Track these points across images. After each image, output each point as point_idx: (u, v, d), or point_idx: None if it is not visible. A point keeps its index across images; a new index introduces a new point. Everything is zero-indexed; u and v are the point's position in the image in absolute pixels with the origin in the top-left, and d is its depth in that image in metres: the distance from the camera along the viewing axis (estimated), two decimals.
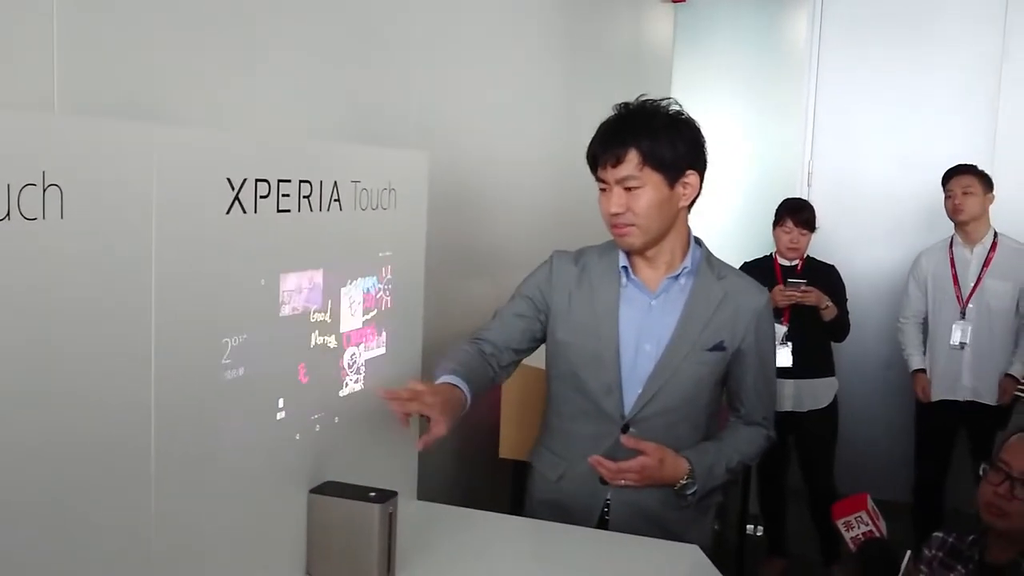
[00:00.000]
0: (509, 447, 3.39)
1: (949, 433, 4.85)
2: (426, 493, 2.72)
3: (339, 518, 2.05)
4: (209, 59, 2.17)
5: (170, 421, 1.66)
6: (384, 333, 2.34)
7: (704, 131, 2.41)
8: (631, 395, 2.43)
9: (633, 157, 2.29)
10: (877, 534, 2.60)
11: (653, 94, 2.41)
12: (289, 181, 1.94)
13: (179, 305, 1.65)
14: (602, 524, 2.48)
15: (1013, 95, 5.72)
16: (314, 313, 2.06)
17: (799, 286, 4.44)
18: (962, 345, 4.70)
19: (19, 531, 1.40)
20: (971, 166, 4.71)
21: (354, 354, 2.23)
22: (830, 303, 4.50)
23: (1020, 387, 4.19)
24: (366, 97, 2.84)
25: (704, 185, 2.41)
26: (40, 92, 1.73)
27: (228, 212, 1.76)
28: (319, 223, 2.05)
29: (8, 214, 1.31)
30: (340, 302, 2.15)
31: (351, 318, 2.20)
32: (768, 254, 4.80)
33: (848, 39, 6.04)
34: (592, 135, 2.40)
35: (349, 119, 2.74)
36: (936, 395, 4.78)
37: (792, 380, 4.56)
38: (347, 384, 2.21)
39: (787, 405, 4.55)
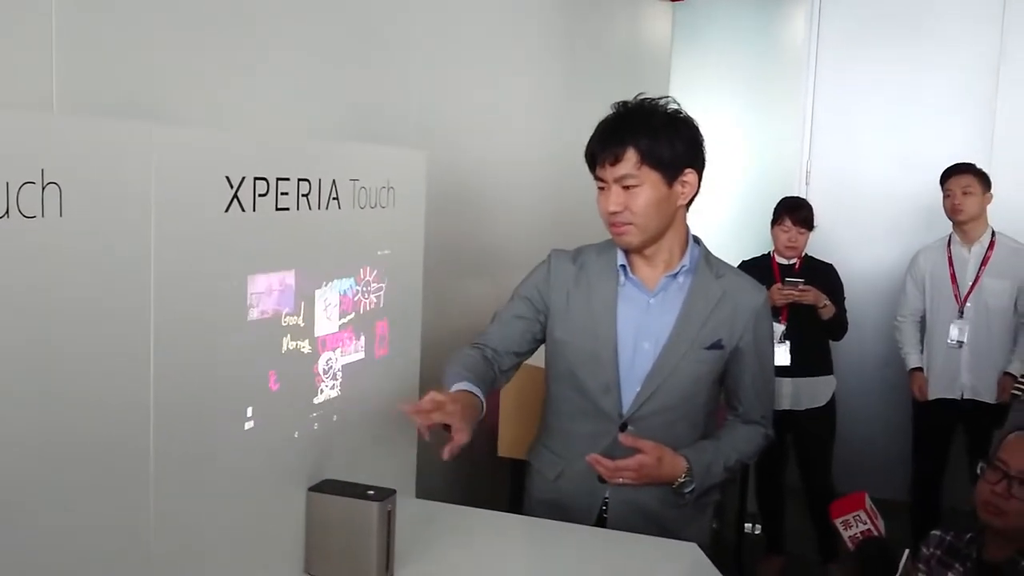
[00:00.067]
0: (508, 446, 3.39)
1: (946, 432, 4.85)
2: (425, 491, 2.72)
3: (338, 516, 2.05)
4: (208, 59, 2.17)
5: (169, 419, 1.66)
6: (363, 337, 2.28)
7: (702, 130, 2.41)
8: (629, 394, 2.43)
9: (631, 156, 2.29)
10: (875, 533, 2.59)
11: (651, 93, 2.41)
12: (288, 180, 1.94)
13: (178, 303, 1.66)
14: (600, 522, 2.48)
15: (1011, 94, 5.73)
16: (285, 317, 1.97)
17: (797, 285, 4.44)
18: (960, 344, 4.70)
19: (18, 530, 1.40)
20: (970, 165, 4.72)
21: (330, 359, 2.15)
22: (828, 302, 4.50)
23: (1018, 385, 4.19)
24: (365, 97, 2.85)
25: (702, 184, 2.41)
26: (39, 92, 1.74)
27: (227, 210, 1.76)
28: (317, 221, 2.05)
29: (7, 212, 1.31)
30: (315, 305, 2.07)
31: (327, 322, 2.13)
32: (766, 253, 4.80)
33: (846, 38, 6.05)
34: (590, 134, 2.40)
35: (349, 119, 2.74)
36: (933, 394, 4.79)
37: (790, 379, 4.56)
38: (322, 391, 2.13)
39: (785, 404, 4.55)
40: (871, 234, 6.00)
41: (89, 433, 1.50)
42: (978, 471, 2.37)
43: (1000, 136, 5.74)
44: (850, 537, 2.61)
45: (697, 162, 2.38)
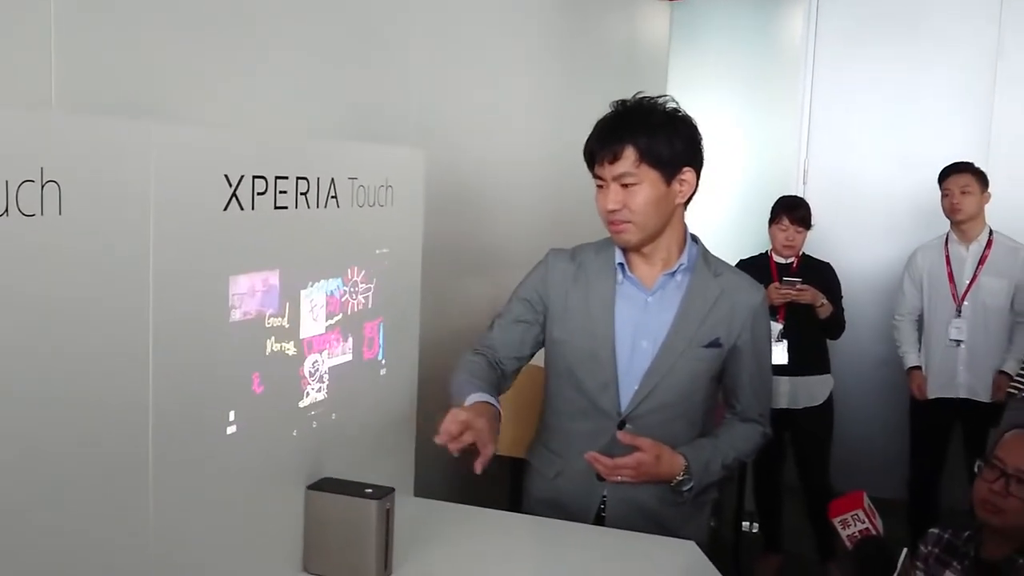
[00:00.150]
0: (506, 444, 3.39)
1: (944, 430, 4.86)
2: (423, 490, 2.73)
3: (336, 514, 2.05)
4: (207, 58, 2.17)
5: (168, 418, 1.66)
6: (350, 339, 2.26)
7: (700, 129, 2.42)
8: (627, 392, 2.43)
9: (630, 154, 2.29)
10: (873, 532, 2.60)
11: (649, 92, 2.42)
12: (286, 178, 1.94)
13: (177, 301, 1.66)
14: (599, 520, 2.48)
15: (1008, 93, 5.74)
16: (269, 318, 1.93)
17: (794, 284, 4.44)
18: (958, 343, 4.70)
19: (17, 529, 1.40)
20: (968, 164, 4.72)
21: (316, 361, 2.12)
22: (825, 301, 4.50)
23: (1014, 384, 4.20)
24: (365, 97, 2.85)
25: (700, 182, 2.42)
26: (38, 91, 1.73)
27: (226, 209, 1.77)
28: (315, 220, 2.05)
29: (7, 210, 1.31)
30: (300, 305, 2.03)
31: (312, 323, 2.09)
32: (764, 251, 4.80)
33: (844, 37, 6.05)
34: (588, 133, 2.40)
35: (348, 119, 2.74)
36: (931, 392, 4.79)
37: (788, 377, 4.56)
38: (308, 393, 2.10)
39: (783, 402, 4.55)
40: (869, 233, 6.00)
41: (88, 432, 1.50)
42: (975, 469, 2.37)
43: (997, 134, 5.74)
44: (848, 536, 2.61)
45: (695, 161, 2.39)
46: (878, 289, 5.77)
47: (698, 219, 2.68)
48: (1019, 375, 4.12)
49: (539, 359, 2.61)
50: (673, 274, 2.45)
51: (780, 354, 4.45)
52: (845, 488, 2.93)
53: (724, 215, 5.94)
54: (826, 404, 4.72)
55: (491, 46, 3.76)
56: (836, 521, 2.62)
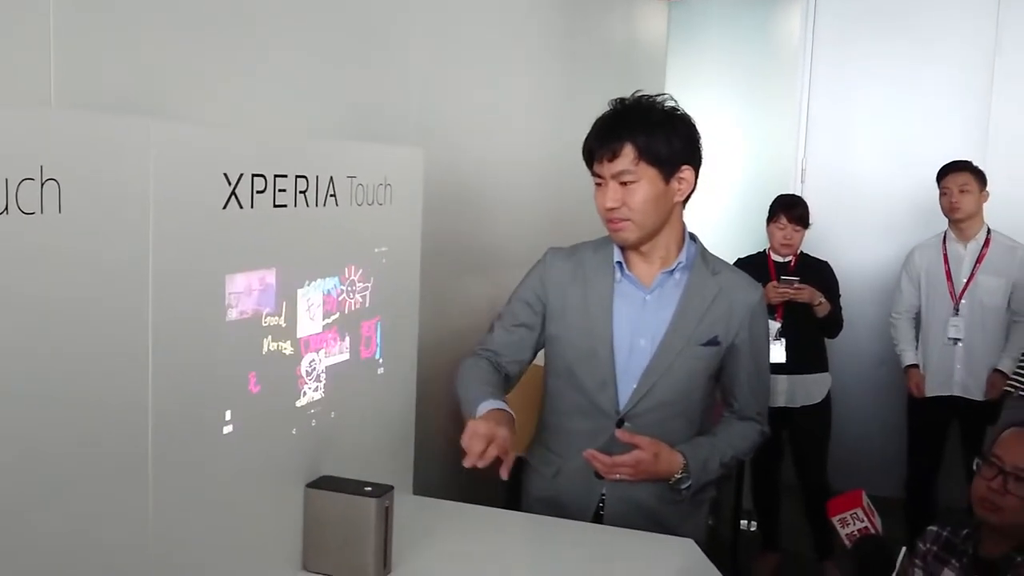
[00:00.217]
0: None
1: (941, 428, 4.87)
2: (422, 488, 2.73)
3: (336, 512, 2.06)
4: (207, 58, 2.17)
5: (168, 416, 1.66)
6: (347, 338, 2.25)
7: (698, 127, 2.42)
8: (626, 390, 2.44)
9: (629, 152, 2.30)
10: (872, 531, 2.60)
11: (648, 91, 2.42)
12: (286, 176, 1.94)
13: (176, 300, 1.66)
14: (597, 519, 2.49)
15: (1006, 90, 5.74)
16: (266, 317, 1.93)
17: (792, 283, 4.45)
18: (956, 341, 4.71)
19: (17, 527, 1.40)
20: (967, 163, 4.72)
21: (313, 361, 2.12)
22: (823, 299, 4.50)
23: (1010, 382, 4.20)
24: (364, 96, 2.85)
25: (699, 181, 2.42)
26: (37, 90, 1.73)
27: (225, 207, 1.77)
28: (314, 219, 2.06)
29: (6, 208, 1.31)
30: (297, 304, 2.03)
31: (309, 322, 2.09)
32: (762, 250, 4.80)
33: (842, 35, 6.06)
34: (586, 131, 2.40)
35: (347, 118, 2.74)
36: (929, 391, 4.80)
37: (785, 376, 4.56)
38: (305, 393, 2.10)
39: (780, 401, 4.56)
40: (867, 231, 6.01)
41: (87, 430, 1.50)
42: (974, 467, 2.37)
43: (995, 132, 5.75)
44: (847, 535, 2.61)
45: (694, 159, 2.39)
46: (876, 288, 5.78)
47: (696, 218, 2.68)
48: (1016, 373, 4.13)
49: (539, 358, 2.62)
50: (671, 272, 2.45)
51: (778, 353, 4.45)
52: (843, 487, 2.94)
53: (722, 214, 5.95)
54: (824, 403, 4.73)
55: (490, 45, 3.76)
56: (835, 520, 2.62)
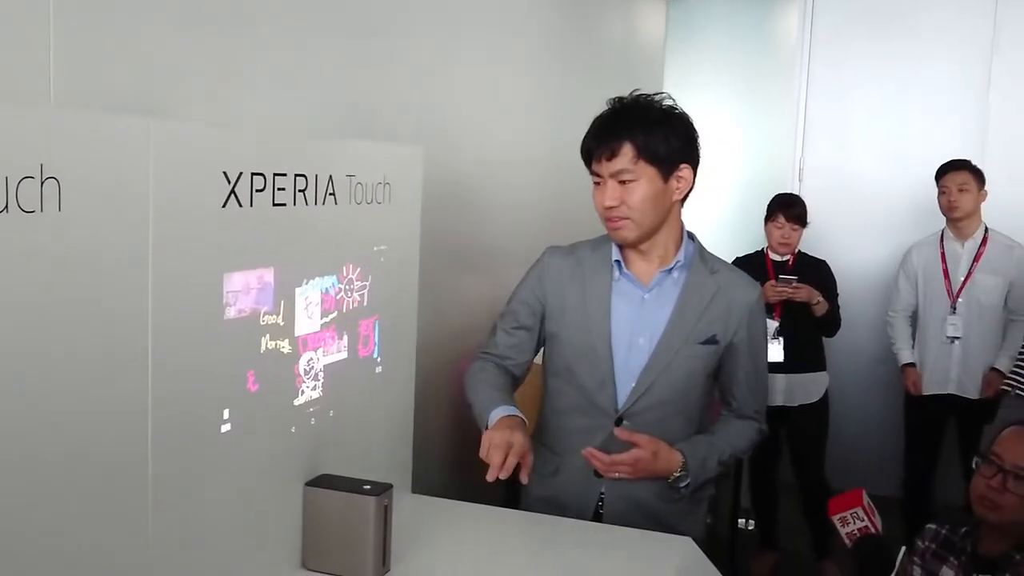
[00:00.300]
0: None
1: (938, 427, 4.87)
2: (421, 486, 2.73)
3: (335, 510, 2.06)
4: (207, 57, 2.17)
5: (165, 415, 1.66)
6: (346, 336, 2.26)
7: (696, 126, 2.42)
8: (624, 389, 2.44)
9: (628, 151, 2.30)
10: (873, 530, 2.60)
11: (646, 90, 2.42)
12: (285, 175, 1.94)
13: (175, 298, 1.66)
14: (597, 517, 2.49)
15: (1004, 88, 5.74)
16: (264, 315, 1.93)
17: (790, 282, 4.45)
18: (953, 339, 4.71)
19: (16, 527, 1.40)
20: (965, 162, 4.72)
21: (311, 359, 2.12)
22: (821, 299, 4.51)
23: (1007, 381, 4.20)
24: (363, 96, 2.85)
25: (697, 179, 2.42)
26: (37, 88, 1.73)
27: (224, 206, 1.77)
28: (313, 217, 2.05)
29: (7, 207, 1.31)
30: (295, 303, 2.03)
31: (308, 321, 2.08)
32: (760, 249, 4.80)
33: (839, 34, 6.06)
34: (585, 130, 2.40)
35: (346, 118, 2.74)
36: (926, 389, 4.80)
37: (783, 375, 4.56)
38: (303, 392, 2.09)
39: (778, 400, 4.56)
40: (864, 230, 6.01)
41: (86, 428, 1.50)
42: (973, 465, 2.37)
43: (993, 130, 5.75)
44: (847, 534, 2.62)
45: (692, 157, 2.40)
46: (874, 287, 5.78)
47: (694, 217, 2.68)
48: (1012, 372, 4.12)
49: (538, 357, 2.62)
50: (670, 271, 2.45)
51: (776, 352, 4.45)
52: (841, 485, 2.94)
53: (720, 213, 5.95)
54: (822, 401, 4.73)
55: (489, 45, 3.76)
56: (836, 519, 2.63)
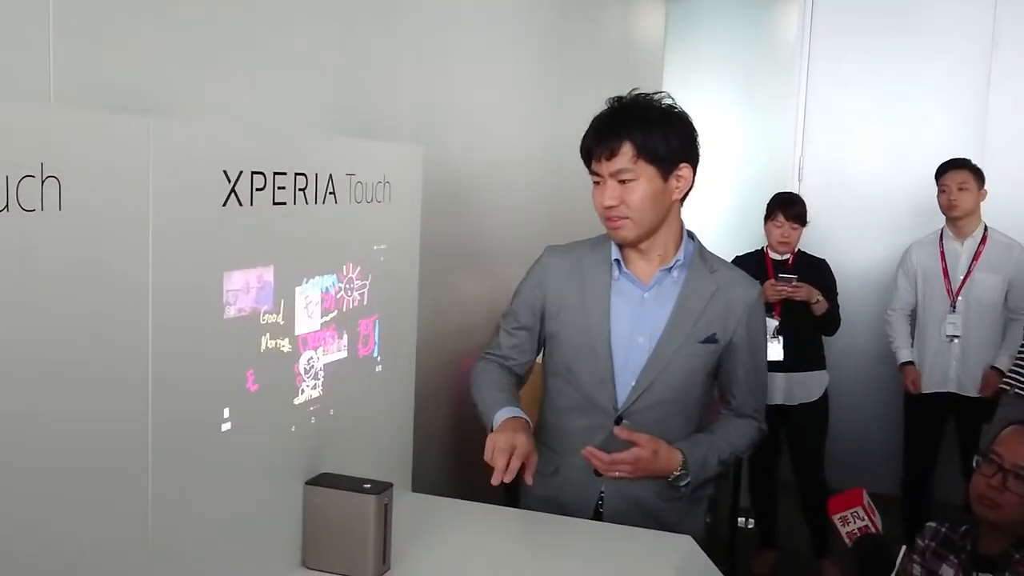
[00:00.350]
0: None
1: (937, 425, 4.87)
2: (421, 485, 2.73)
3: (335, 509, 2.06)
4: (207, 55, 2.17)
5: (166, 413, 1.66)
6: (345, 336, 2.25)
7: (696, 125, 2.42)
8: (624, 387, 2.44)
9: (627, 150, 2.30)
10: (873, 530, 2.61)
11: (645, 89, 2.42)
12: (285, 174, 1.94)
13: (175, 297, 1.66)
14: (597, 516, 2.49)
15: (1004, 86, 5.74)
16: (264, 315, 1.92)
17: (790, 281, 4.45)
18: (953, 338, 4.71)
19: (16, 525, 1.40)
20: (965, 161, 4.72)
21: (311, 359, 2.12)
22: (820, 297, 4.51)
23: (1006, 380, 4.20)
24: (362, 95, 2.84)
25: (696, 178, 2.42)
26: (36, 87, 1.73)
27: (225, 204, 1.77)
28: (313, 216, 2.05)
29: (7, 206, 1.31)
30: (295, 302, 2.02)
31: (307, 320, 2.08)
32: (759, 248, 4.80)
33: (839, 33, 6.06)
34: (584, 130, 2.40)
35: (346, 116, 2.74)
36: (925, 388, 4.80)
37: (783, 374, 4.57)
38: (303, 391, 2.09)
39: (778, 398, 4.56)
40: (864, 229, 6.01)
41: (86, 427, 1.50)
42: (974, 464, 2.37)
43: (992, 129, 5.75)
44: (847, 533, 2.62)
45: (692, 156, 2.40)
46: (873, 286, 5.78)
47: (694, 216, 2.68)
48: (1012, 371, 4.12)
49: (539, 356, 2.63)
50: (669, 270, 2.45)
51: (776, 351, 4.45)
52: (840, 484, 2.94)
53: (720, 212, 5.96)
54: (821, 400, 4.73)
55: (488, 44, 3.76)
56: (836, 518, 2.63)
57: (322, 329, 2.14)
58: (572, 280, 2.49)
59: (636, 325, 2.45)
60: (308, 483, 2.09)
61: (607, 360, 2.43)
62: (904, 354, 4.90)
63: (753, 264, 4.53)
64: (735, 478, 4.55)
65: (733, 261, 3.79)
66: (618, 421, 2.42)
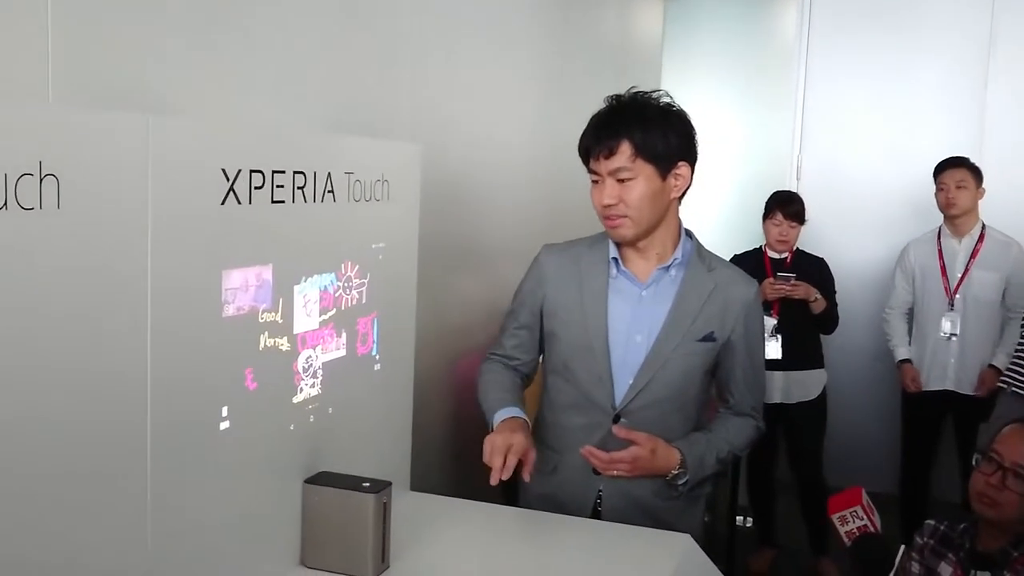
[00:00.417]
0: None
1: (935, 423, 4.88)
2: (420, 484, 2.73)
3: (334, 508, 2.06)
4: (205, 54, 2.17)
5: (166, 411, 1.66)
6: (344, 334, 2.26)
7: (694, 123, 2.42)
8: (622, 386, 2.44)
9: (626, 149, 2.30)
10: (872, 529, 2.61)
11: (643, 87, 2.42)
12: (283, 172, 1.94)
13: (174, 295, 1.66)
14: (595, 515, 2.49)
15: (1001, 84, 5.75)
16: (262, 313, 1.92)
17: (788, 280, 4.45)
18: (951, 336, 4.72)
19: (15, 524, 1.40)
20: (964, 159, 4.73)
21: (310, 357, 2.11)
22: (819, 296, 4.51)
23: (1003, 378, 4.21)
24: (361, 94, 2.84)
25: (695, 177, 2.42)
26: (34, 85, 1.73)
27: (223, 202, 1.76)
28: (311, 214, 2.05)
29: (5, 204, 1.31)
30: (293, 301, 2.02)
31: (306, 318, 2.08)
32: (758, 247, 4.80)
33: (837, 31, 6.06)
34: (583, 128, 2.40)
35: (344, 115, 2.74)
36: (923, 385, 4.81)
37: (781, 372, 4.57)
38: (302, 389, 2.09)
39: (776, 397, 4.57)
40: (862, 228, 6.01)
41: (85, 425, 1.50)
42: (973, 462, 2.38)
43: (990, 127, 5.76)
44: (846, 533, 2.62)
45: (690, 155, 2.39)
46: (872, 284, 5.78)
47: (692, 214, 2.68)
48: (1009, 369, 4.13)
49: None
50: (667, 268, 2.45)
51: (774, 349, 4.46)
52: (838, 483, 2.95)
53: (718, 210, 5.96)
54: (819, 399, 4.74)
55: (486, 42, 3.76)
56: (835, 517, 2.63)
57: (321, 328, 2.14)
58: (570, 278, 2.49)
59: (634, 323, 2.45)
60: (307, 482, 2.09)
61: (605, 358, 2.43)
62: (902, 352, 4.91)
63: (751, 263, 4.53)
64: (734, 477, 4.56)
65: (731, 260, 3.80)
66: (616, 419, 2.42)
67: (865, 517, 2.60)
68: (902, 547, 2.51)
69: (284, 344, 2.01)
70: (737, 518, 4.77)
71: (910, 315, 4.96)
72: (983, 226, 4.75)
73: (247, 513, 1.93)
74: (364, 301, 2.31)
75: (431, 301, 3.07)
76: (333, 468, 2.16)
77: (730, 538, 4.61)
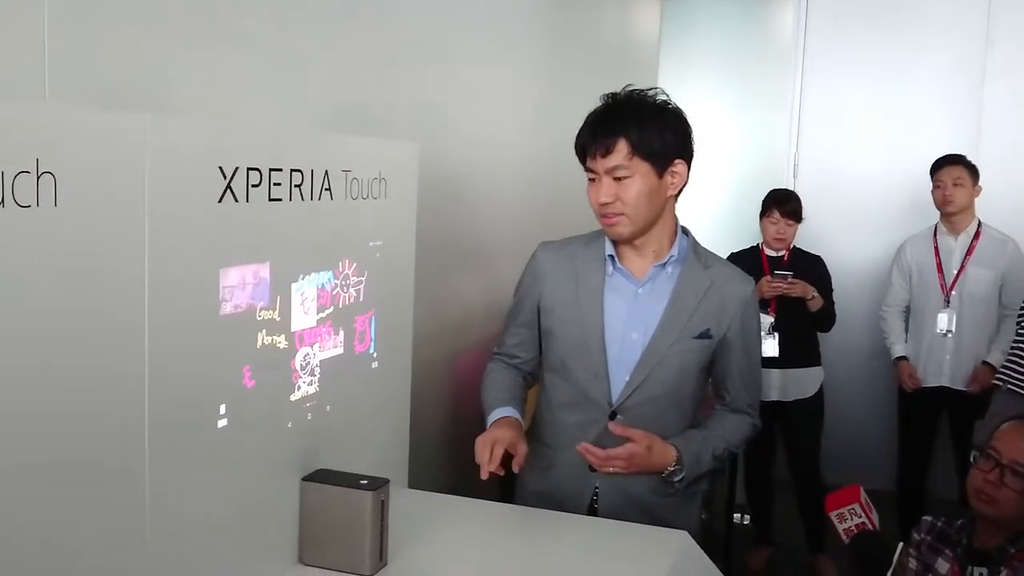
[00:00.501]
0: None
1: (931, 420, 4.89)
2: (417, 481, 2.73)
3: (331, 505, 2.06)
4: (203, 52, 2.17)
5: (163, 409, 1.66)
6: (342, 332, 2.25)
7: (690, 121, 2.43)
8: (618, 383, 2.44)
9: (622, 147, 2.30)
10: (870, 527, 2.61)
11: (640, 86, 2.42)
12: (280, 170, 1.94)
13: (171, 293, 1.66)
14: (592, 512, 2.49)
15: (998, 82, 5.75)
16: (260, 311, 1.92)
17: (785, 278, 4.46)
18: (947, 333, 4.73)
19: (13, 523, 1.40)
20: (960, 156, 4.74)
21: (307, 355, 2.12)
22: (816, 294, 4.52)
23: (998, 375, 4.21)
24: (359, 92, 2.85)
25: (691, 175, 2.43)
26: (31, 83, 1.73)
27: (220, 201, 1.77)
28: (308, 212, 2.05)
29: (2, 201, 1.31)
30: (291, 298, 2.02)
31: (304, 316, 2.08)
32: (755, 245, 4.81)
33: (834, 29, 6.07)
34: (579, 127, 2.41)
35: (342, 113, 2.74)
36: (920, 382, 4.81)
37: (778, 370, 4.58)
38: (300, 387, 2.09)
39: (773, 395, 4.57)
40: (859, 226, 6.02)
41: (82, 424, 1.50)
42: (971, 459, 2.38)
43: (987, 125, 5.76)
44: (844, 530, 2.62)
45: (686, 153, 2.40)
46: (869, 282, 5.79)
47: (689, 212, 2.69)
48: (1004, 367, 4.13)
49: None
50: (663, 266, 2.46)
51: (771, 347, 4.46)
52: (835, 480, 2.95)
53: (715, 208, 5.96)
54: (817, 396, 4.74)
55: (484, 41, 3.76)
56: (833, 515, 2.64)
57: (318, 325, 2.14)
58: (566, 276, 2.49)
59: (630, 321, 2.45)
60: (305, 479, 2.09)
61: (601, 355, 2.43)
62: (898, 349, 4.92)
63: (748, 261, 4.53)
64: (731, 474, 4.56)
65: (728, 258, 3.80)
66: (612, 416, 2.43)
67: (863, 515, 2.60)
68: (900, 544, 2.52)
69: (282, 342, 2.01)
70: (735, 516, 4.78)
71: (907, 312, 4.96)
72: (979, 223, 4.76)
73: (245, 511, 1.93)
74: (362, 299, 2.31)
75: (429, 299, 3.07)
76: (331, 465, 2.16)
77: (728, 536, 4.62)
